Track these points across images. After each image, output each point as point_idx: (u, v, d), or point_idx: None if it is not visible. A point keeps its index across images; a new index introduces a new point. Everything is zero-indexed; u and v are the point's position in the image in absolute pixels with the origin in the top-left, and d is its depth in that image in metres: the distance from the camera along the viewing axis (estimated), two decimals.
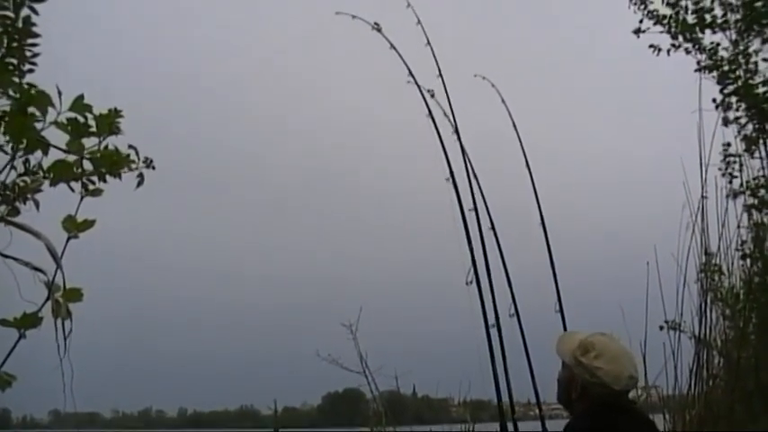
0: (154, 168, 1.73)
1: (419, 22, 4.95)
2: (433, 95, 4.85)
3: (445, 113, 4.87)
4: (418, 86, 4.80)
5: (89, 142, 1.73)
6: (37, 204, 1.95)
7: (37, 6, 2.32)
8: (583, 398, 2.81)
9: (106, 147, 1.68)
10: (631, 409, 2.96)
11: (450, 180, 4.63)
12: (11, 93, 1.75)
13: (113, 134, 1.67)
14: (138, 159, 1.73)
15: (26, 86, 1.75)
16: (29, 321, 1.65)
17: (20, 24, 2.49)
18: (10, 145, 1.68)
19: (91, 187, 1.79)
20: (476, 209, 4.83)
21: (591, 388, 2.77)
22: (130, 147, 1.71)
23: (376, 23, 4.94)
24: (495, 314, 4.57)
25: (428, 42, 4.95)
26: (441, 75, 4.88)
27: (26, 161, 1.77)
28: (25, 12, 2.49)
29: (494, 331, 4.53)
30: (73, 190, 1.79)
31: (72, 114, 1.64)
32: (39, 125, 1.66)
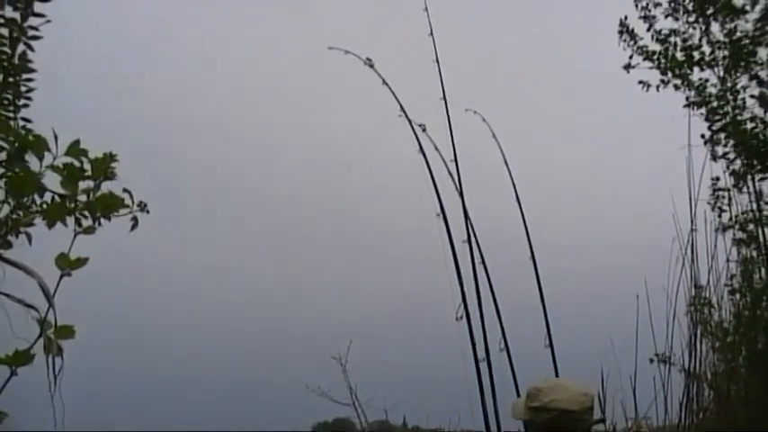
0: (148, 212, 1.75)
1: (431, 33, 5.01)
2: (424, 130, 4.90)
3: (437, 148, 4.93)
4: (410, 121, 4.84)
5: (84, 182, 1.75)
6: (29, 238, 1.97)
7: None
8: None
9: (98, 188, 1.70)
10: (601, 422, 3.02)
11: (441, 215, 4.66)
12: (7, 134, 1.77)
13: (108, 179, 1.70)
14: (133, 203, 1.75)
15: (23, 130, 1.78)
16: (21, 359, 1.66)
17: (16, 60, 2.53)
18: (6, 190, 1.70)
19: (84, 224, 1.81)
20: (469, 242, 4.85)
21: (556, 423, 2.84)
22: (125, 190, 1.73)
23: (368, 59, 5.00)
24: (486, 349, 4.58)
25: (436, 59, 5.00)
26: (444, 97, 4.91)
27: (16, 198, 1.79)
28: (21, 48, 2.53)
29: (483, 365, 4.54)
30: (66, 225, 1.81)
31: (68, 159, 1.67)
32: (35, 168, 1.68)
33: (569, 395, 2.85)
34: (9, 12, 2.38)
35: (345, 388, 6.29)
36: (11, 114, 2.48)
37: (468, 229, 4.81)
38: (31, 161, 1.67)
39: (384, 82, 4.93)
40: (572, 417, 2.82)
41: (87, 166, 1.68)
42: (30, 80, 2.52)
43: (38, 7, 2.43)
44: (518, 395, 4.77)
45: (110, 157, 1.67)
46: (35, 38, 2.46)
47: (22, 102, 2.52)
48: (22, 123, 2.37)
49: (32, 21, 2.43)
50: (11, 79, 2.50)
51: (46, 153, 1.64)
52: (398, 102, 4.87)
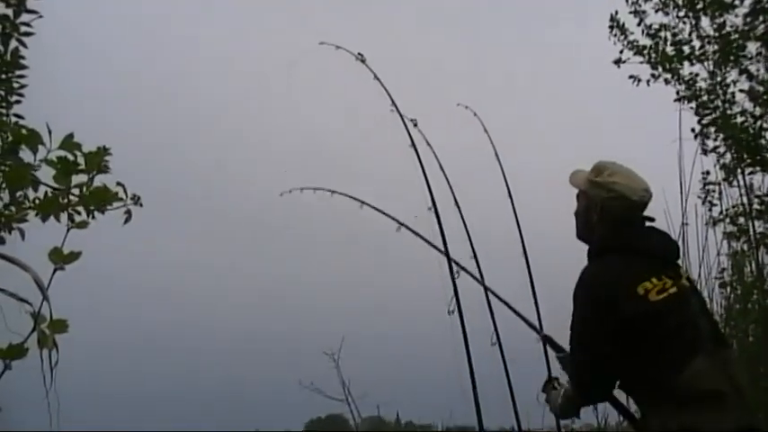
0: (141, 205, 1.77)
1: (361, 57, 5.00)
2: (416, 125, 4.90)
3: (428, 143, 4.92)
4: (401, 116, 4.84)
5: (77, 176, 1.76)
6: (22, 234, 1.98)
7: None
8: (603, 218, 2.90)
9: (92, 181, 1.71)
10: (650, 222, 3.00)
11: (433, 209, 4.66)
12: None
13: (102, 172, 1.71)
14: (126, 196, 1.76)
15: (16, 125, 1.79)
16: (14, 352, 1.67)
17: (8, 57, 2.53)
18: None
19: (77, 219, 1.82)
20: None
21: (610, 204, 2.87)
22: (119, 184, 1.74)
23: (360, 54, 4.99)
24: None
25: (375, 77, 4.98)
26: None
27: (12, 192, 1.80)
28: (13, 44, 2.54)
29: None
30: (59, 220, 1.82)
31: (62, 153, 1.68)
32: (29, 161, 1.69)
33: (633, 184, 2.86)
34: (2, 8, 2.39)
35: (338, 384, 6.32)
36: (3, 111, 2.49)
37: (462, 222, 4.83)
38: (25, 155, 1.68)
39: (375, 77, 4.93)
40: (627, 204, 2.85)
41: (81, 160, 1.69)
42: (22, 77, 2.52)
43: (31, 4, 2.44)
44: (510, 390, 4.78)
45: (103, 151, 1.68)
46: (28, 34, 2.47)
47: (15, 98, 2.52)
48: (14, 120, 2.37)
49: (25, 17, 2.44)
50: (3, 76, 2.51)
51: (40, 147, 1.65)
52: (390, 97, 4.87)
